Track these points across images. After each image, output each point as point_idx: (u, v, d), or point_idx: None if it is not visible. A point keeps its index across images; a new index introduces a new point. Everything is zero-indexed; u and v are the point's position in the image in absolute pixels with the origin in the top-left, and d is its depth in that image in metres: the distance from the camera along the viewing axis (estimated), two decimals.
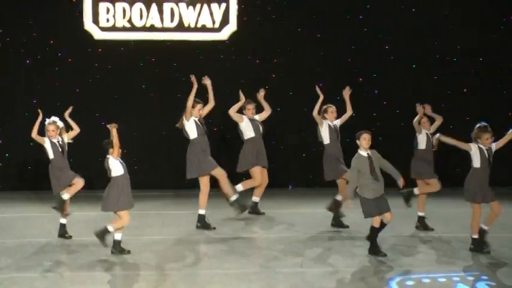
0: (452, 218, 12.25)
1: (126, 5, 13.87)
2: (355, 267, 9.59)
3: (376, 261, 9.84)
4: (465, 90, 15.61)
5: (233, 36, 14.14)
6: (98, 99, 14.83)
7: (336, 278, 9.18)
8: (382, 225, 9.93)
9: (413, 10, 15.44)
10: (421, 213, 11.60)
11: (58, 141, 10.78)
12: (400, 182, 9.95)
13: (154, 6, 13.94)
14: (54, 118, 10.80)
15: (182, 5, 14.00)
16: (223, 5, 14.03)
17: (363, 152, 9.78)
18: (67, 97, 14.55)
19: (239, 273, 9.26)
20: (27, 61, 14.83)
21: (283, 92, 14.62)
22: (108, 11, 13.91)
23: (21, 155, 14.74)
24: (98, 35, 14.00)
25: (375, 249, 9.91)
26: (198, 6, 14.02)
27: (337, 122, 11.76)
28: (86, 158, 13.84)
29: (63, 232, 10.87)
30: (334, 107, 11.69)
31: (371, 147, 9.78)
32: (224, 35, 14.17)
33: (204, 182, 11.40)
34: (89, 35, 13.96)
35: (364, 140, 9.77)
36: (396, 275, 9.26)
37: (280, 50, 15.15)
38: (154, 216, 12.61)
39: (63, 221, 10.87)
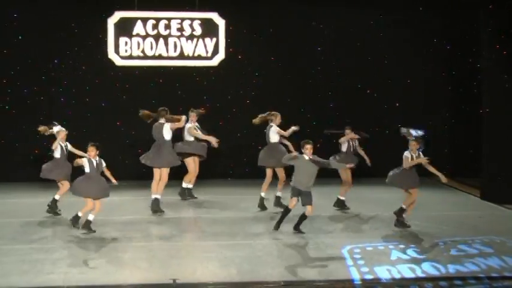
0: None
1: (140, 39, 13.79)
2: (315, 239, 9.61)
3: (329, 235, 9.90)
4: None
5: (222, 62, 14.18)
6: (118, 112, 14.73)
7: (302, 246, 9.27)
8: (303, 215, 9.82)
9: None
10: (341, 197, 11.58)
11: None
12: (349, 166, 10.42)
13: (161, 40, 13.87)
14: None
15: (183, 39, 14.07)
16: (214, 39, 14.08)
17: (306, 156, 9.75)
18: (95, 110, 14.72)
19: (227, 244, 9.30)
20: (65, 82, 14.78)
21: (260, 106, 14.74)
22: (126, 43, 13.78)
23: None
24: (118, 62, 13.86)
25: (277, 223, 9.94)
26: (195, 40, 14.09)
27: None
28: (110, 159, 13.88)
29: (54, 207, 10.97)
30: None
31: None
32: (215, 62, 14.07)
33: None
34: (111, 62, 13.94)
35: (307, 150, 9.73)
36: (346, 245, 9.31)
37: (258, 73, 15.25)
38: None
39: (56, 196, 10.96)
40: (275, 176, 11.65)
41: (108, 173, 10.24)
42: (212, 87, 15.00)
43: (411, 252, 9.00)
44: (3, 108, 14.60)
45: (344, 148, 11.58)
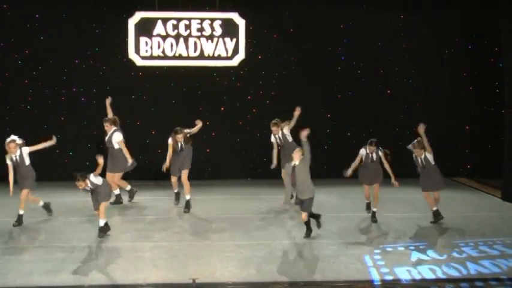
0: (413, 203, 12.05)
1: (160, 40, 13.87)
2: (335, 240, 9.64)
3: (349, 236, 9.85)
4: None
5: (242, 63, 14.23)
6: (139, 110, 14.86)
7: (321, 247, 9.23)
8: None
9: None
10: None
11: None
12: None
13: (181, 40, 13.98)
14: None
15: (203, 39, 14.12)
16: (234, 39, 14.11)
17: (292, 162, 9.57)
18: (116, 109, 14.74)
19: (247, 244, 9.31)
20: (86, 82, 14.87)
21: (280, 106, 14.78)
22: (146, 44, 13.86)
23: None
24: (139, 62, 13.96)
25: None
26: (215, 40, 14.12)
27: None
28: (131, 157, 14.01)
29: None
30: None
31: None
32: (235, 62, 14.14)
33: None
34: (132, 62, 14.05)
35: (295, 154, 9.53)
36: (365, 245, 9.30)
37: (278, 74, 15.23)
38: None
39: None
40: None
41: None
42: (232, 87, 15.05)
43: (431, 253, 8.94)
44: (24, 108, 14.75)
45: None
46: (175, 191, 12.15)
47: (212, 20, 13.93)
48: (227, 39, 14.02)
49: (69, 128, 14.67)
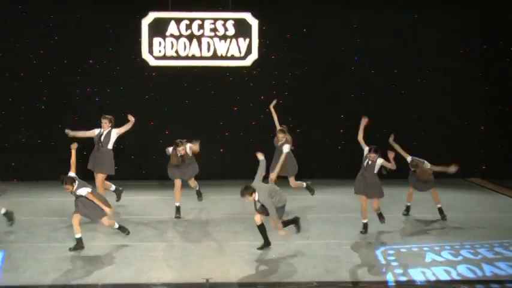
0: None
1: (173, 40, 13.96)
2: (348, 240, 9.57)
3: (364, 237, 9.81)
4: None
5: (255, 62, 14.26)
6: (152, 110, 14.86)
7: (335, 247, 9.18)
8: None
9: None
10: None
11: None
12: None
13: (195, 41, 14.04)
14: None
15: (216, 39, 14.16)
16: (247, 39, 14.14)
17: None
18: (130, 108, 14.77)
19: (259, 244, 9.18)
20: (99, 82, 14.84)
21: (293, 106, 14.78)
22: (160, 44, 13.97)
23: None
24: (152, 62, 14.07)
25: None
26: (228, 40, 14.16)
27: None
28: (144, 159, 14.05)
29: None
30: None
31: None
32: (248, 62, 14.22)
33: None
34: (145, 62, 14.13)
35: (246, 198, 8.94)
36: (380, 246, 9.28)
37: (291, 73, 15.13)
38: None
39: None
40: None
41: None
42: (245, 87, 14.99)
43: (446, 255, 8.86)
44: (39, 108, 14.80)
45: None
46: (177, 204, 11.13)
47: (225, 20, 13.99)
48: (240, 39, 14.12)
49: (83, 128, 14.65)
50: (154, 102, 14.91)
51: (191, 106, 15.00)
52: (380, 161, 9.80)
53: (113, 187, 11.67)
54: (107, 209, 9.10)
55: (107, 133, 11.29)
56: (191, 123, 14.77)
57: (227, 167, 15.09)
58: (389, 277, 8.00)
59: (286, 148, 10.53)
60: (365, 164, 9.89)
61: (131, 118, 11.26)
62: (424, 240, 9.68)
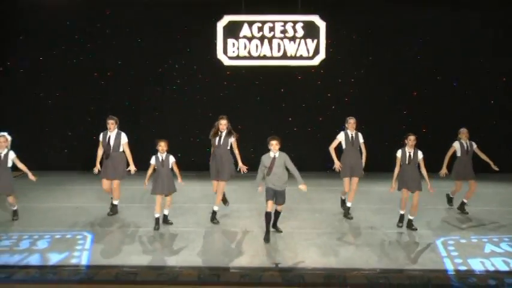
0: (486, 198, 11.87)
1: (246, 41, 14.24)
2: (409, 230, 9.64)
3: (424, 227, 9.80)
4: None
5: (322, 62, 14.36)
6: (226, 106, 15.04)
7: (397, 237, 9.26)
8: (276, 212, 9.34)
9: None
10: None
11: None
12: (302, 187, 9.13)
13: (266, 42, 14.29)
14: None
15: (286, 41, 14.36)
16: (315, 40, 14.27)
17: (272, 154, 9.17)
18: (204, 107, 15.20)
19: (326, 232, 9.41)
20: (178, 81, 15.29)
21: (358, 104, 14.83)
22: (233, 45, 14.28)
23: None
24: (226, 62, 14.38)
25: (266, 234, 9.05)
26: (297, 41, 14.33)
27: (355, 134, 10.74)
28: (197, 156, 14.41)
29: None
30: (354, 119, 10.72)
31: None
32: (316, 61, 14.31)
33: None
34: (220, 62, 14.45)
35: (272, 146, 9.11)
36: (440, 236, 9.31)
37: (357, 72, 15.21)
38: None
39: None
40: None
41: (176, 170, 9.77)
42: (313, 85, 15.14)
43: (505, 246, 8.87)
44: (123, 106, 15.25)
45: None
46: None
47: (294, 22, 14.16)
48: (308, 40, 14.23)
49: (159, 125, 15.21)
50: (227, 99, 15.17)
51: (262, 103, 15.26)
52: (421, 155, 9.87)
53: (117, 201, 10.78)
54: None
55: (116, 136, 10.49)
56: (262, 118, 15.05)
57: (296, 160, 15.19)
58: (449, 266, 8.07)
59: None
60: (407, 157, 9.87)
61: (132, 168, 10.43)
62: (482, 231, 9.65)
